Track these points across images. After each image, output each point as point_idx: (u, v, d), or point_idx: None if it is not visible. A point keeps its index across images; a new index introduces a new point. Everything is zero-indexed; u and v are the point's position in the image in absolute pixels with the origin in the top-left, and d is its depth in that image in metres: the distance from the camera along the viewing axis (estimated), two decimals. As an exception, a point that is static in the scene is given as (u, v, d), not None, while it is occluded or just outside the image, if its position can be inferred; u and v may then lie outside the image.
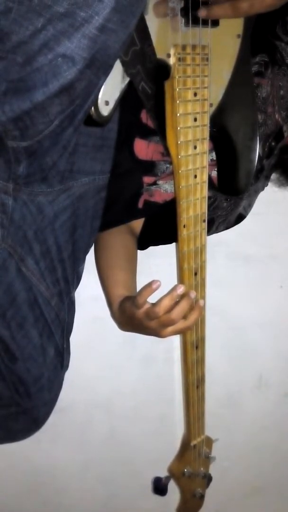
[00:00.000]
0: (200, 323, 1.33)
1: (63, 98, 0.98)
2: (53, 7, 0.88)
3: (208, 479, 1.61)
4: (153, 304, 1.21)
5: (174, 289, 1.20)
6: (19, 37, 0.91)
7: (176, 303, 1.21)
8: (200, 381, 1.42)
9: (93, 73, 0.97)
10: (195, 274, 1.26)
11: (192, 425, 1.49)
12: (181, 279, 1.27)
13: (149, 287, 1.19)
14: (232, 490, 2.07)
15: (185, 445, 1.55)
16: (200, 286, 1.29)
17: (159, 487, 1.56)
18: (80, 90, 0.98)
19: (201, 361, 1.39)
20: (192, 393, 1.43)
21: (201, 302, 1.27)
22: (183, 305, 1.21)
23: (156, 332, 1.26)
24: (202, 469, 1.58)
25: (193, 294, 1.23)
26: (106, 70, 1.00)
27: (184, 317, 1.24)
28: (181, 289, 1.19)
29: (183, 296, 1.21)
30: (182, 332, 1.31)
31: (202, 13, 1.07)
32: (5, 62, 0.94)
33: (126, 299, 1.33)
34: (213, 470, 1.63)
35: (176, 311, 1.21)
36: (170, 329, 1.25)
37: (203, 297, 1.31)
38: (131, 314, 1.27)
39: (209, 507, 1.68)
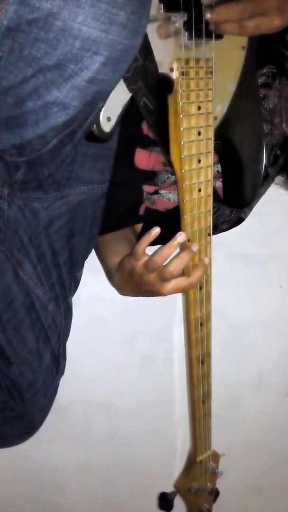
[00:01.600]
0: (206, 338, 1.33)
1: (58, 128, 0.97)
2: (42, 60, 0.87)
3: (215, 494, 1.61)
4: (152, 254, 1.18)
5: (174, 237, 1.16)
6: (8, 82, 0.90)
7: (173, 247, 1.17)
8: (206, 396, 1.42)
9: (89, 107, 0.95)
10: (200, 288, 1.25)
11: (198, 440, 1.48)
12: (186, 294, 1.26)
13: (148, 234, 1.16)
14: (232, 490, 2.08)
15: (191, 461, 1.54)
16: (206, 300, 1.28)
17: (165, 502, 1.56)
18: (76, 119, 0.97)
19: (207, 376, 1.39)
20: (198, 409, 1.42)
21: (206, 260, 1.23)
22: (183, 257, 1.18)
23: (157, 288, 1.22)
24: (208, 484, 1.57)
25: (195, 247, 1.19)
26: (103, 100, 0.99)
27: (188, 275, 1.21)
28: (181, 237, 1.15)
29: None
30: (185, 290, 1.25)
31: (210, 26, 1.06)
32: None
33: (125, 256, 1.29)
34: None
35: (175, 262, 1.17)
36: (171, 285, 1.21)
37: (209, 311, 1.30)
38: (130, 270, 1.24)
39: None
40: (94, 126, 1.03)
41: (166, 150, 1.13)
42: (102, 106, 1.00)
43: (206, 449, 1.51)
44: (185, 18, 1.03)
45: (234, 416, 2.05)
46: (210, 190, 1.18)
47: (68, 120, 0.94)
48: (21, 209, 1.21)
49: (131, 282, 1.27)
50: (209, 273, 1.26)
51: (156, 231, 1.14)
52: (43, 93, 0.90)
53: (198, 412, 1.43)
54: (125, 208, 1.40)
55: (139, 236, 1.49)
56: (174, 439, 1.89)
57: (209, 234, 1.22)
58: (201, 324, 1.30)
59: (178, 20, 1.03)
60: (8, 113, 0.94)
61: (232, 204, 1.35)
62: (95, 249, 1.48)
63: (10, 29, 0.85)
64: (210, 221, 1.21)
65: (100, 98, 0.96)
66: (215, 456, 1.57)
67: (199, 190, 1.16)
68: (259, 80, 1.28)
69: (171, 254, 1.17)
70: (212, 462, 1.55)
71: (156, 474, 1.68)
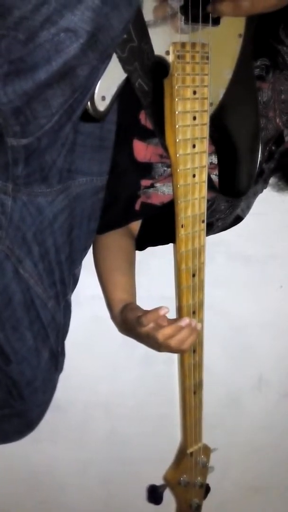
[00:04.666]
0: None
1: (65, 88, 0.97)
2: None
3: (205, 489, 1.58)
4: (156, 328, 1.23)
5: (180, 320, 1.22)
6: (21, 12, 0.89)
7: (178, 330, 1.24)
8: (198, 387, 1.40)
9: (95, 57, 0.96)
10: (193, 275, 1.25)
11: (188, 432, 1.47)
12: (178, 281, 1.26)
13: (157, 311, 1.21)
14: (232, 490, 2.07)
15: (182, 453, 1.52)
16: (198, 288, 1.28)
17: (154, 495, 1.54)
18: (82, 78, 0.97)
19: (198, 366, 1.37)
20: (189, 399, 1.41)
21: (198, 325, 1.27)
22: (184, 334, 1.24)
23: (151, 347, 1.31)
24: (199, 478, 1.55)
25: (197, 325, 1.26)
26: (105, 57, 0.99)
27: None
28: (186, 321, 1.22)
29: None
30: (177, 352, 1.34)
31: (208, 9, 1.07)
32: (7, 40, 0.93)
33: (129, 310, 1.34)
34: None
35: (176, 339, 1.24)
36: (164, 350, 1.29)
37: (201, 300, 1.30)
38: (132, 327, 1.29)
39: (209, 507, 1.67)
40: (89, 104, 1.04)
41: (161, 135, 1.14)
42: (99, 79, 1.01)
43: (196, 441, 1.50)
44: (182, 2, 1.04)
45: (234, 416, 2.04)
46: (204, 176, 1.18)
47: (77, 55, 0.94)
48: (26, 205, 1.21)
49: (130, 333, 1.35)
50: (202, 261, 1.26)
51: (164, 311, 1.20)
52: (57, 19, 0.90)
53: (189, 403, 1.41)
54: (123, 202, 1.41)
55: (138, 235, 1.51)
56: (174, 439, 1.87)
57: (203, 221, 1.22)
58: (194, 312, 1.30)
59: (175, 3, 1.04)
60: (19, 52, 0.93)
61: (228, 193, 1.36)
62: (97, 273, 1.50)
63: None
64: (204, 207, 1.21)
65: (107, 42, 0.96)
66: (206, 450, 1.54)
67: (194, 176, 1.16)
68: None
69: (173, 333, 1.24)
70: (202, 456, 1.53)
71: (156, 474, 1.66)
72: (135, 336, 1.32)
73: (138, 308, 1.33)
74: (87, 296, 1.65)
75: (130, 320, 1.30)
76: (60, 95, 0.98)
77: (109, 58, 1.01)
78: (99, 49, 0.95)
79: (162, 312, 1.20)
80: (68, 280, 1.38)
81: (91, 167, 1.29)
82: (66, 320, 1.46)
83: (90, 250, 1.48)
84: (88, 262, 1.46)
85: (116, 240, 1.47)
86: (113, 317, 1.42)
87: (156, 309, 1.21)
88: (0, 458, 1.83)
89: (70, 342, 1.49)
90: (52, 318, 1.37)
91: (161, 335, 1.22)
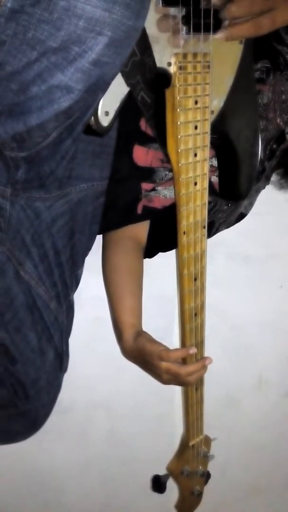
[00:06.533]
0: (200, 328, 1.34)
1: (59, 115, 0.98)
2: (47, 42, 0.88)
3: (206, 476, 1.63)
4: (177, 364, 1.29)
5: (204, 360, 1.33)
6: (13, 68, 0.91)
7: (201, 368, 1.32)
8: (199, 383, 1.42)
9: (90, 95, 0.97)
10: (195, 279, 1.27)
11: (191, 426, 1.50)
12: (180, 285, 1.27)
13: (187, 351, 1.29)
14: (231, 490, 2.08)
15: (184, 445, 1.56)
16: (200, 291, 1.29)
17: (158, 484, 1.59)
18: (78, 108, 0.98)
19: None
20: (191, 395, 1.43)
21: (207, 362, 1.34)
22: (203, 372, 1.34)
23: (157, 378, 1.36)
24: (200, 467, 1.60)
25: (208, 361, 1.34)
26: (104, 89, 1.00)
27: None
28: (209, 360, 1.33)
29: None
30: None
31: (221, 36, 1.06)
32: (0, 88, 0.94)
33: (147, 340, 1.34)
34: (212, 470, 1.64)
35: (196, 376, 1.32)
36: (173, 383, 1.35)
37: (203, 301, 1.31)
38: (149, 358, 1.31)
39: (209, 507, 1.68)
40: (92, 119, 1.04)
41: (163, 144, 1.14)
42: (101, 99, 1.01)
43: (198, 434, 1.53)
44: (184, 13, 1.04)
45: (234, 416, 2.05)
46: (205, 184, 1.19)
47: (71, 106, 0.95)
48: (24, 208, 1.21)
49: (141, 363, 1.40)
50: (203, 265, 1.27)
51: (193, 350, 1.29)
52: (47, 77, 0.91)
53: (191, 399, 1.44)
54: (124, 205, 1.41)
55: (148, 242, 1.51)
56: (174, 439, 1.88)
57: (204, 227, 1.23)
58: (195, 314, 1.31)
59: (177, 14, 1.04)
60: (12, 100, 0.95)
61: (228, 197, 1.36)
62: (106, 292, 1.49)
63: (14, 12, 0.86)
64: (205, 214, 1.22)
65: (102, 84, 0.97)
66: (207, 440, 1.58)
67: (195, 184, 1.17)
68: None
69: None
70: (204, 446, 1.57)
71: (156, 474, 1.67)
72: (144, 366, 1.38)
73: (155, 340, 1.34)
74: (88, 297, 1.64)
75: (148, 351, 1.31)
76: (54, 121, 0.99)
77: (106, 88, 1.01)
78: (93, 90, 0.96)
79: (191, 351, 1.28)
80: (70, 281, 1.39)
81: (92, 172, 1.30)
82: (69, 320, 1.48)
83: (93, 252, 1.48)
84: (89, 263, 1.46)
85: (128, 262, 1.47)
86: (121, 340, 1.42)
87: (186, 349, 1.29)
88: (1, 458, 1.83)
89: (71, 343, 1.50)
90: (55, 318, 1.37)
91: (185, 371, 1.28)
